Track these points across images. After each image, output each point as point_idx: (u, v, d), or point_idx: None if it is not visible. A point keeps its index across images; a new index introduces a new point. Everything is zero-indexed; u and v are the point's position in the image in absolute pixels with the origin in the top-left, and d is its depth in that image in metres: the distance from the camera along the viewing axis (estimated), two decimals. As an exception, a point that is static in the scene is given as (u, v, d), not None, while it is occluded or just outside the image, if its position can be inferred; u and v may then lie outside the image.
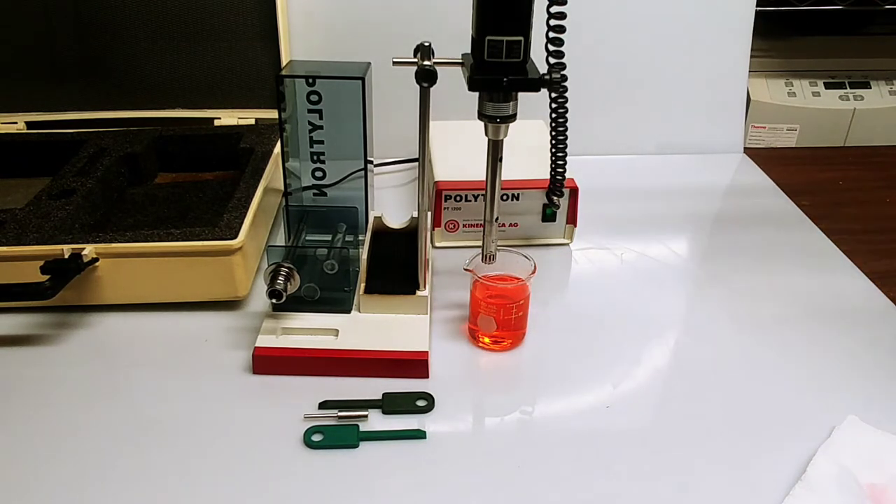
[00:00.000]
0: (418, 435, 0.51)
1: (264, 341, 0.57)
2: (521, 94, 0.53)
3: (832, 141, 1.01)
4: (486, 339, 0.59)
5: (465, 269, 0.59)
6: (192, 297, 0.62)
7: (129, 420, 0.52)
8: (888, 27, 1.07)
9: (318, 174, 0.69)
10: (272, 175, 0.73)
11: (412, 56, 0.52)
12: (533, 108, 0.63)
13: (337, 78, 0.64)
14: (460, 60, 0.54)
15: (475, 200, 0.72)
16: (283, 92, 0.64)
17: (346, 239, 0.65)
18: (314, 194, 0.70)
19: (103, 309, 0.62)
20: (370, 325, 0.58)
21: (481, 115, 0.54)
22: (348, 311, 0.60)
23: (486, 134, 0.55)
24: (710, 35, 0.91)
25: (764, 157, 0.94)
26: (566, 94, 0.61)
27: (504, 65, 0.50)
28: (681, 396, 0.55)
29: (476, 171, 0.62)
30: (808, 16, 1.00)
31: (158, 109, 0.84)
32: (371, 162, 0.70)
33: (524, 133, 0.68)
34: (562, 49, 0.55)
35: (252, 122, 0.84)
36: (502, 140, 0.55)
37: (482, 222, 0.65)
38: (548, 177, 0.68)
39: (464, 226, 0.73)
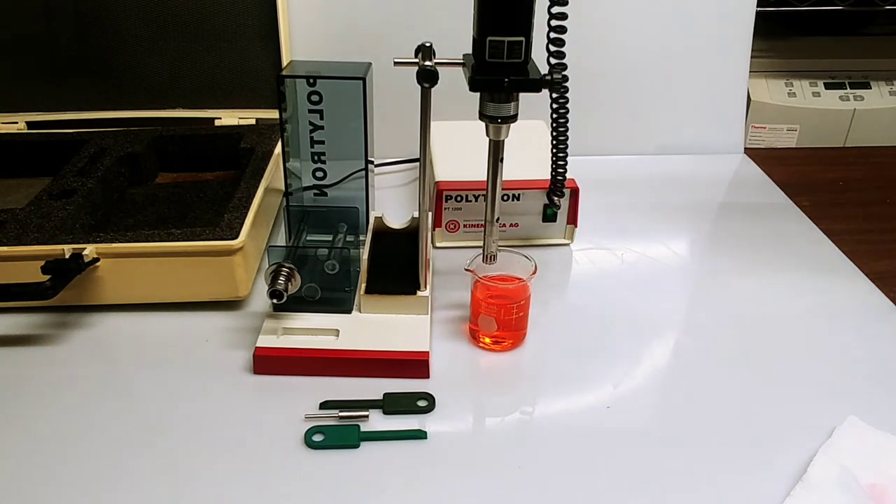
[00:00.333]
0: (419, 435, 0.51)
1: (265, 341, 0.57)
2: (522, 95, 0.53)
3: (832, 141, 1.01)
4: (487, 340, 0.59)
5: (466, 270, 0.59)
6: (193, 298, 0.62)
7: (130, 420, 0.52)
8: (888, 27, 1.07)
9: (319, 174, 0.69)
10: (273, 175, 0.73)
11: (413, 56, 0.52)
12: (534, 108, 0.63)
13: (338, 78, 0.64)
14: (461, 61, 0.54)
15: (476, 201, 0.72)
16: (284, 92, 0.64)
17: (347, 239, 0.65)
18: (315, 194, 0.70)
19: (104, 309, 0.62)
20: (371, 326, 0.58)
21: (482, 116, 0.54)
22: (349, 312, 0.60)
23: (487, 134, 0.55)
24: (711, 35, 0.91)
25: (764, 158, 0.94)
26: (567, 95, 0.61)
27: (505, 65, 0.50)
28: (681, 397, 0.55)
29: (477, 171, 0.62)
30: (809, 16, 1.00)
31: (159, 109, 0.84)
32: (372, 162, 0.70)
33: (525, 133, 0.68)
34: (563, 49, 0.55)
35: (253, 122, 0.84)
36: (503, 140, 0.55)
37: (483, 222, 0.65)
38: (548, 177, 0.68)
39: (464, 226, 0.73)
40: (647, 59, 0.91)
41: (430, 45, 0.51)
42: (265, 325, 0.58)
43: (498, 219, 0.59)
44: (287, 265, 0.56)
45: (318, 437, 0.50)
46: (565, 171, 0.67)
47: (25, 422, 0.51)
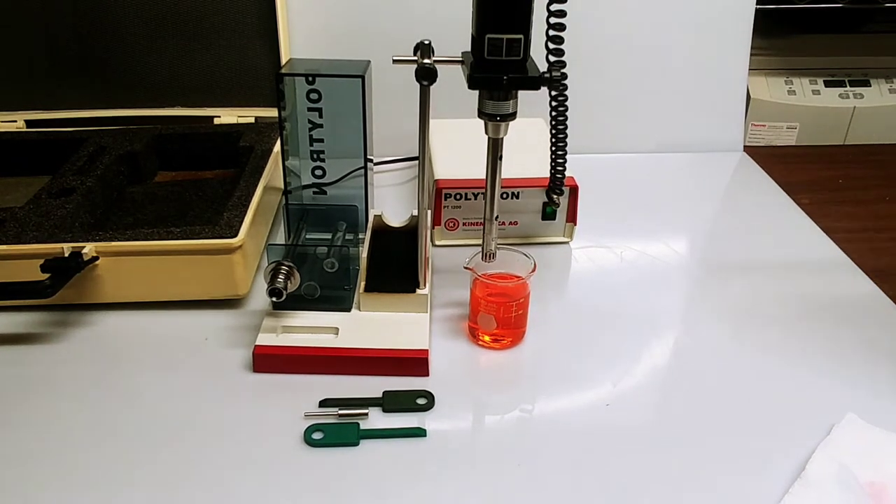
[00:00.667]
0: (418, 433, 0.51)
1: (264, 339, 0.57)
2: (521, 93, 0.53)
3: (832, 139, 1.01)
4: (486, 338, 0.59)
5: (465, 268, 0.59)
6: (193, 296, 0.62)
7: (130, 418, 0.52)
8: (888, 25, 1.07)
9: (318, 172, 0.69)
10: (272, 173, 0.73)
11: (412, 54, 0.52)
12: (533, 106, 0.63)
13: (337, 76, 0.64)
14: (460, 59, 0.54)
15: (475, 199, 0.72)
16: (283, 90, 0.64)
17: (346, 237, 0.65)
18: (314, 193, 0.70)
19: (103, 307, 0.62)
20: (370, 324, 0.58)
21: (481, 114, 0.54)
22: (348, 310, 0.60)
23: (487, 132, 0.55)
24: (711, 33, 0.91)
25: (764, 156, 0.94)
26: (566, 93, 0.61)
27: (504, 63, 0.50)
28: (680, 394, 0.55)
29: (476, 169, 0.62)
30: (809, 14, 1.00)
31: (158, 108, 0.84)
32: (371, 160, 0.70)
33: (524, 131, 0.68)
34: (562, 47, 0.55)
35: (252, 120, 0.84)
36: (502, 138, 0.55)
37: (482, 221, 0.65)
38: (548, 175, 0.68)
39: (464, 224, 0.73)
40: (647, 57, 0.91)
41: (429, 43, 0.51)
42: (264, 323, 0.58)
43: (497, 217, 0.59)
44: (286, 263, 0.56)
45: (317, 435, 0.50)
46: (564, 169, 0.67)
47: (25, 420, 0.51)
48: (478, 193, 0.71)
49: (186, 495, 0.46)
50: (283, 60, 0.82)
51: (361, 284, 0.60)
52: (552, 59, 0.56)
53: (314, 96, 0.65)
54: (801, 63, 1.01)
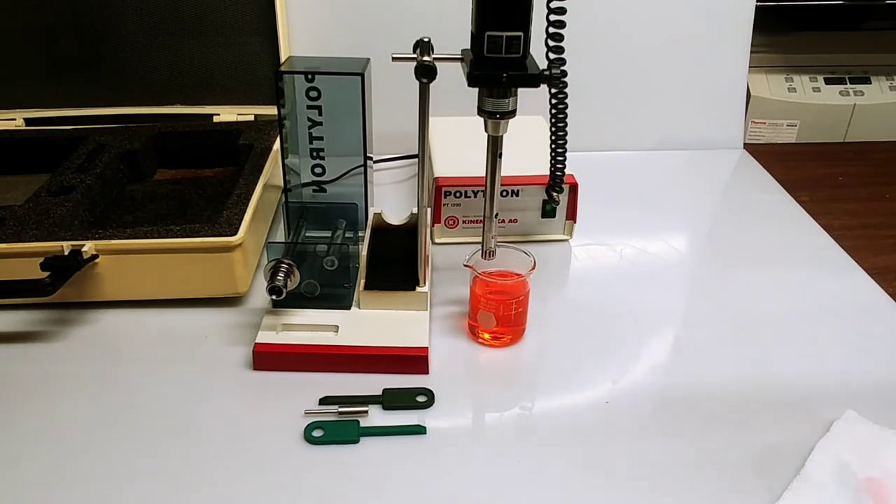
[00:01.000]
0: (418, 430, 0.51)
1: (264, 337, 0.57)
2: (520, 90, 0.53)
3: (832, 136, 1.01)
4: (486, 335, 0.59)
5: (465, 266, 0.59)
6: (192, 294, 0.62)
7: (130, 417, 0.52)
8: (888, 22, 1.07)
9: (318, 170, 0.69)
10: (272, 171, 0.73)
11: (412, 52, 0.52)
12: (533, 103, 0.63)
13: (336, 74, 0.64)
14: (460, 56, 0.54)
15: (475, 196, 0.72)
16: (283, 88, 0.64)
17: (346, 235, 0.65)
18: (314, 191, 0.70)
19: (103, 305, 0.62)
20: (370, 322, 0.58)
21: (481, 111, 0.54)
22: (348, 308, 0.60)
23: (486, 130, 0.55)
24: (711, 30, 0.91)
25: (764, 153, 0.94)
26: (566, 90, 0.61)
27: (504, 60, 0.50)
28: (679, 392, 0.55)
29: (476, 167, 0.62)
30: (809, 11, 1.00)
31: (157, 106, 0.84)
32: (370, 158, 0.70)
33: (524, 129, 0.67)
34: (561, 44, 0.55)
35: (251, 118, 0.84)
36: (502, 136, 0.55)
37: (482, 218, 0.65)
38: (547, 173, 0.68)
39: (463, 222, 0.73)
40: (647, 54, 0.91)
41: (429, 41, 0.51)
42: (264, 321, 0.58)
43: (497, 214, 0.59)
44: (286, 261, 0.56)
45: (317, 433, 0.50)
46: (564, 167, 0.67)
47: (25, 419, 0.51)
48: (477, 191, 0.71)
49: (186, 493, 0.46)
50: (283, 58, 0.82)
51: (361, 282, 0.60)
52: (552, 56, 0.56)
53: (314, 94, 0.65)
54: (802, 60, 1.01)
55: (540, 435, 0.51)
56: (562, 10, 0.53)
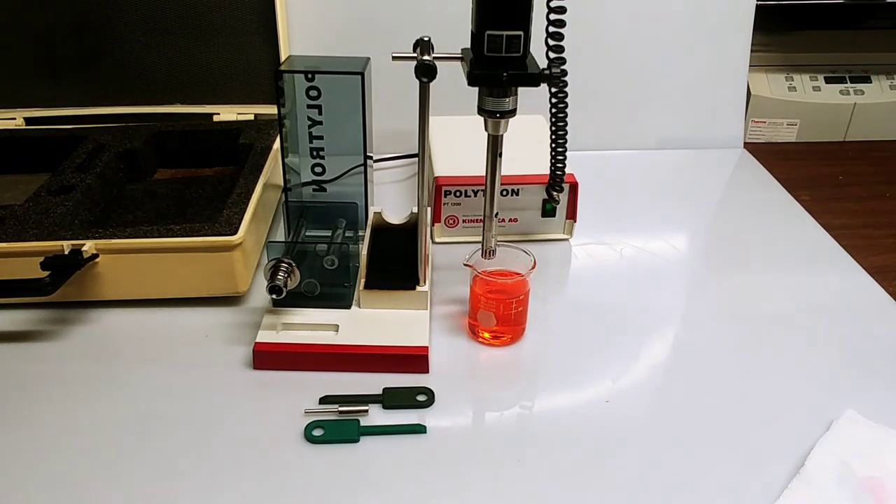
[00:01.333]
0: (418, 430, 0.51)
1: (265, 337, 0.57)
2: (520, 89, 0.53)
3: (832, 135, 1.01)
4: (486, 335, 0.59)
5: (465, 265, 0.59)
6: (193, 293, 0.62)
7: (130, 416, 0.52)
8: (888, 21, 1.07)
9: (318, 170, 0.69)
10: (272, 171, 0.73)
11: (412, 51, 0.52)
12: (533, 103, 0.63)
13: (336, 73, 0.64)
14: (460, 55, 0.54)
15: (475, 196, 0.72)
16: (283, 87, 0.64)
17: (346, 234, 0.65)
18: (314, 190, 0.70)
19: (103, 305, 0.62)
20: (370, 321, 0.58)
21: (481, 111, 0.54)
22: (348, 307, 0.60)
23: (486, 129, 0.55)
24: (711, 29, 0.91)
25: (764, 152, 0.94)
26: (566, 89, 0.61)
27: (504, 59, 0.50)
28: (679, 391, 0.55)
29: (476, 166, 0.62)
30: (809, 10, 1.00)
31: (157, 105, 0.84)
32: (371, 157, 0.70)
33: (524, 128, 0.67)
34: (562, 44, 0.55)
35: (251, 117, 0.84)
36: (502, 135, 0.55)
37: (482, 218, 0.65)
38: (547, 172, 0.68)
39: (463, 221, 0.73)
40: (647, 54, 0.91)
41: (429, 40, 0.51)
42: (265, 320, 0.58)
43: (497, 214, 0.59)
44: (286, 261, 0.56)
45: (317, 432, 0.50)
46: (564, 166, 0.67)
47: (25, 418, 0.51)
48: (477, 190, 0.71)
49: (187, 492, 0.46)
50: (283, 57, 0.82)
51: (361, 281, 0.60)
52: (552, 55, 0.56)
53: (314, 93, 0.65)
54: (802, 59, 1.01)
55: (540, 434, 0.51)
56: (562, 10, 0.53)
